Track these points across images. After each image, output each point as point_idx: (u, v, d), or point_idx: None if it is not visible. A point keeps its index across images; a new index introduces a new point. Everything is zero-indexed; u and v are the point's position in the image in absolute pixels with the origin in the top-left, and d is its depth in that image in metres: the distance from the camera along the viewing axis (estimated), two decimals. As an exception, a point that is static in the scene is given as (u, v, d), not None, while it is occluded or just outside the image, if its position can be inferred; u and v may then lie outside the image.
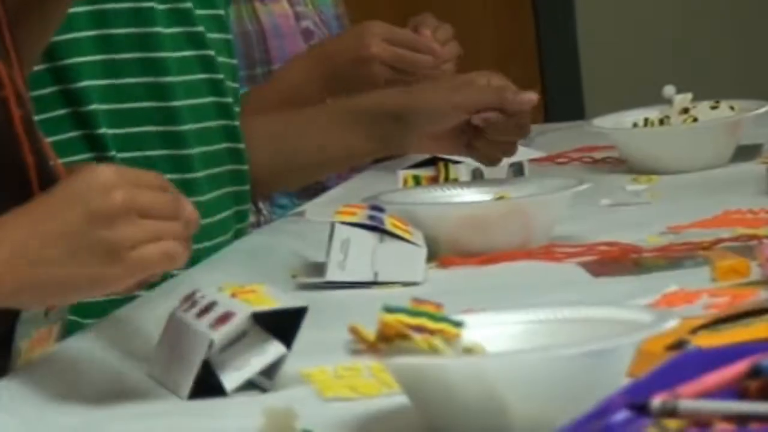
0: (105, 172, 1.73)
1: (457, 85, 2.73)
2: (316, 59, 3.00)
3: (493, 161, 2.66)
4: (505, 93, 2.64)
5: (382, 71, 2.94)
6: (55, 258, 1.71)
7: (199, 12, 2.68)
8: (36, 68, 2.46)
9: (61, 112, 2.48)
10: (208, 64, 2.66)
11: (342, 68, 2.98)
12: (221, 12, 2.74)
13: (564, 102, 4.25)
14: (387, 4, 3.69)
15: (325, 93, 2.95)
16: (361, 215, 2.11)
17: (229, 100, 2.66)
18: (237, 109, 2.73)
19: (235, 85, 2.73)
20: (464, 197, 2.34)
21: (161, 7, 2.59)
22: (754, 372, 1.31)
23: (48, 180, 1.95)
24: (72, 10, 2.43)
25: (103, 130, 2.54)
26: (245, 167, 2.69)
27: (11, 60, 2.06)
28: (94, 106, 2.53)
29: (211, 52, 2.65)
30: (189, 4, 2.66)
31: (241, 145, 2.68)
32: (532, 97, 2.66)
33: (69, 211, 1.72)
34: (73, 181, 1.74)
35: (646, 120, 2.77)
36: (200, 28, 2.63)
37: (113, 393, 1.69)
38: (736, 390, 1.30)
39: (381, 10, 3.47)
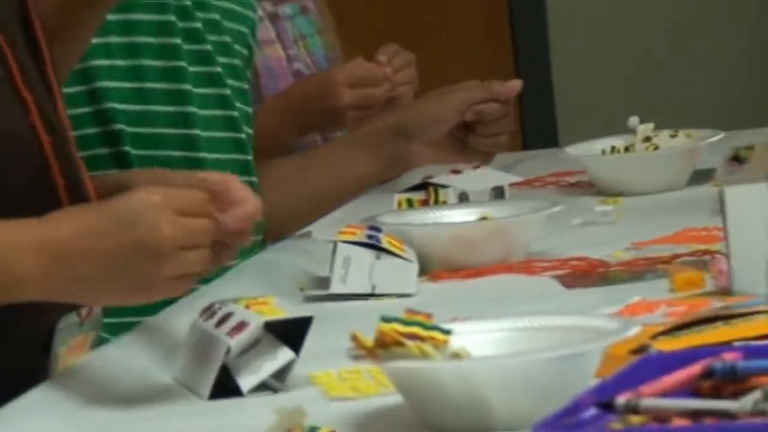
0: (155, 201, 1.77)
1: (444, 91, 2.90)
2: (289, 107, 3.08)
3: (486, 157, 2.85)
4: (492, 84, 2.87)
5: (353, 114, 3.03)
6: (94, 278, 1.75)
7: (220, 59, 2.76)
8: (71, 90, 2.52)
9: (91, 131, 2.58)
10: (225, 102, 2.75)
11: (315, 116, 3.07)
12: (238, 62, 2.80)
13: (540, 132, 4.38)
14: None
15: (299, 134, 3.11)
16: (361, 235, 2.18)
17: (244, 136, 2.75)
18: (250, 146, 2.79)
19: (249, 130, 2.81)
20: (452, 218, 2.40)
21: (186, 46, 2.70)
22: (707, 373, 1.38)
23: (79, 199, 1.99)
24: (106, 39, 2.62)
25: (127, 148, 2.65)
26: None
27: (53, 90, 2.09)
28: (120, 126, 2.63)
29: (228, 92, 2.73)
30: (209, 47, 2.76)
31: (254, 178, 2.75)
32: (516, 84, 2.91)
33: (118, 236, 1.75)
34: (125, 206, 1.75)
35: (613, 147, 2.88)
36: (218, 69, 2.73)
37: (142, 395, 1.73)
38: (691, 389, 1.36)
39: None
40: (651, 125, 2.82)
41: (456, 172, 2.64)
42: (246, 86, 2.73)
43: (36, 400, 1.75)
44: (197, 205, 1.77)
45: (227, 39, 2.77)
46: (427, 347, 1.56)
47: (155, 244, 1.70)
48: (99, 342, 1.97)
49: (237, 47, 2.74)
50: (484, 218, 2.34)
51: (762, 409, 1.27)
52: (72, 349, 1.94)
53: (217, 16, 2.72)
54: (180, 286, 1.73)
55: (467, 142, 2.80)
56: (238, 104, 2.68)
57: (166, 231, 1.71)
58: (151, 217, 1.73)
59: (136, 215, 1.74)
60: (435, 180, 2.60)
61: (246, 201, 1.92)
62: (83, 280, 1.76)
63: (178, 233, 1.72)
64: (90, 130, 2.50)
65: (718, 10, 5.35)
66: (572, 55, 5.22)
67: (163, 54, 2.64)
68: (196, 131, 2.65)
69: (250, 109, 2.73)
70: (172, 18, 2.64)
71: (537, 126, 4.37)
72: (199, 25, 2.69)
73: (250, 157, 2.71)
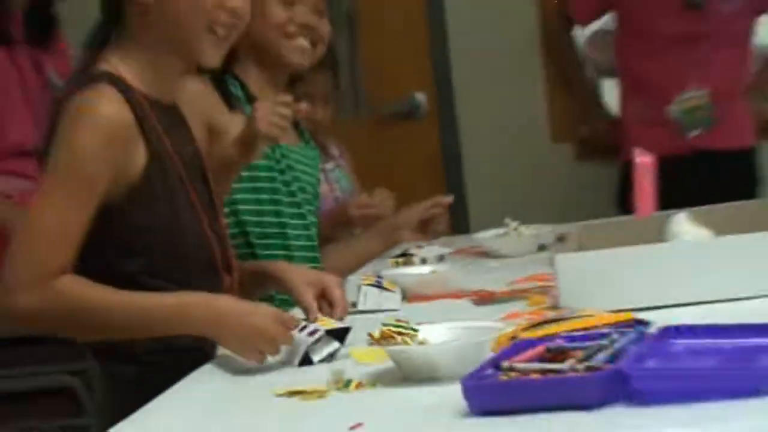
0: (270, 312, 1.82)
1: (415, 205, 2.82)
2: (332, 220, 2.91)
3: (436, 235, 2.85)
4: (438, 199, 2.80)
5: (359, 223, 2.95)
6: (228, 335, 1.80)
7: (306, 196, 2.70)
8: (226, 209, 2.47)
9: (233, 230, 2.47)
10: (306, 219, 2.66)
11: (343, 223, 2.93)
12: (312, 196, 2.74)
13: (460, 223, 3.95)
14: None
15: (337, 232, 2.95)
16: (372, 280, 2.24)
17: (314, 235, 2.69)
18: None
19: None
20: (417, 270, 2.40)
21: (284, 188, 2.61)
22: (547, 349, 1.44)
23: (225, 263, 2.03)
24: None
25: (253, 241, 2.57)
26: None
27: (216, 207, 2.09)
28: (250, 229, 2.56)
29: (306, 212, 2.67)
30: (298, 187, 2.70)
31: (318, 254, 2.68)
32: (450, 198, 2.84)
33: (249, 320, 1.78)
34: (258, 309, 1.82)
35: (497, 234, 2.82)
36: (301, 200, 2.66)
37: (267, 367, 1.76)
38: (540, 358, 1.42)
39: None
40: (516, 222, 2.79)
41: (419, 246, 2.67)
42: (314, 208, 2.72)
43: (209, 369, 1.84)
44: (288, 320, 1.79)
45: (312, 181, 2.73)
46: (406, 339, 1.65)
47: (270, 337, 1.76)
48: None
49: (310, 188, 2.70)
50: (433, 271, 2.38)
51: (574, 368, 1.34)
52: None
53: (302, 175, 2.69)
54: (260, 358, 1.77)
55: (425, 230, 2.82)
56: (311, 219, 2.68)
57: (271, 331, 1.76)
58: (267, 321, 1.77)
59: (262, 317, 1.78)
60: (409, 251, 2.60)
61: (340, 303, 1.99)
62: (222, 333, 1.81)
63: (273, 334, 1.75)
64: (233, 230, 2.44)
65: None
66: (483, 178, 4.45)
67: (271, 191, 2.60)
68: (291, 233, 2.61)
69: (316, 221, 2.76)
70: (275, 174, 2.58)
71: (458, 220, 3.99)
72: (295, 174, 2.65)
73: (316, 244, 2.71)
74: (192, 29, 1.93)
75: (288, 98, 2.27)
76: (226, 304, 1.86)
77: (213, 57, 1.97)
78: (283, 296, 2.22)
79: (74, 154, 1.83)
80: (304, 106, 2.41)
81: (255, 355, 1.77)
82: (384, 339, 1.66)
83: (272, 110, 2.17)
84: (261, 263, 2.27)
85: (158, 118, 1.94)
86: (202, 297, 1.88)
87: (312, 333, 1.80)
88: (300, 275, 2.06)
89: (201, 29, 1.93)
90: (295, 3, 2.57)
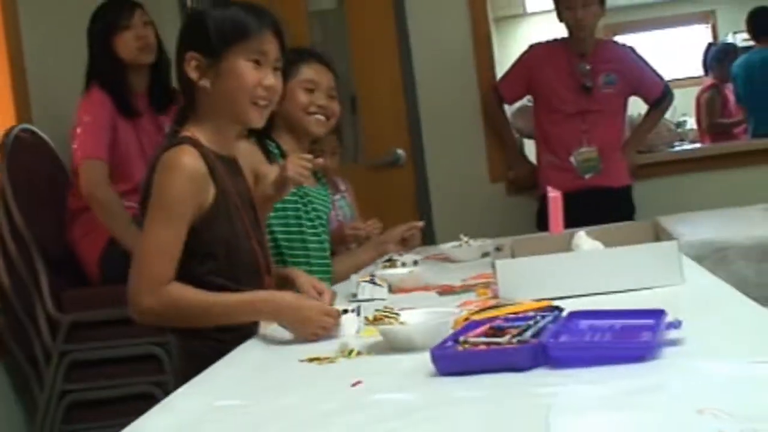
0: (313, 304, 1.80)
1: (398, 227, 2.80)
2: (335, 238, 2.78)
3: (413, 247, 2.82)
4: (414, 223, 2.79)
5: (351, 240, 2.87)
6: (291, 324, 1.75)
7: (321, 221, 2.66)
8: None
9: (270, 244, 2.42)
10: (322, 235, 2.63)
11: (342, 240, 2.84)
12: (324, 221, 2.69)
13: (428, 237, 3.79)
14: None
15: (338, 246, 2.86)
16: (367, 278, 2.18)
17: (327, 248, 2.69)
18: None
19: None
20: (400, 271, 2.34)
21: (305, 215, 2.58)
22: (491, 328, 1.43)
23: (266, 267, 2.00)
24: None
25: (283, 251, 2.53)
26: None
27: (261, 229, 2.06)
28: (279, 242, 2.52)
29: (322, 231, 2.64)
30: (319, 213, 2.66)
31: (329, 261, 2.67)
32: (422, 223, 2.83)
33: (300, 310, 1.75)
34: (312, 308, 1.75)
35: (453, 246, 2.74)
36: (316, 223, 2.63)
37: (289, 343, 1.74)
38: (486, 334, 1.40)
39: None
40: (467, 237, 2.73)
41: (400, 255, 2.62)
42: (326, 230, 2.66)
43: (251, 344, 1.78)
44: (331, 312, 1.74)
45: (325, 211, 2.68)
46: (392, 320, 1.61)
47: (313, 322, 1.71)
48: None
49: (324, 216, 2.65)
50: (411, 272, 2.33)
51: (510, 341, 1.33)
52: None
53: (319, 206, 2.64)
54: (313, 339, 1.71)
55: (405, 244, 2.78)
56: (325, 237, 2.64)
57: (319, 320, 1.71)
58: (316, 313, 1.73)
59: (312, 309, 1.74)
60: (393, 258, 2.54)
61: (326, 296, 1.99)
62: (284, 321, 1.78)
63: (321, 322, 1.71)
64: (270, 244, 2.34)
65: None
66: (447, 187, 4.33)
67: (296, 218, 2.57)
68: (310, 246, 2.57)
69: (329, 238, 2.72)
70: (300, 206, 2.56)
71: (427, 236, 3.88)
72: (314, 206, 2.62)
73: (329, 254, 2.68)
74: (240, 104, 1.90)
75: (309, 156, 2.24)
76: (287, 300, 1.81)
77: (258, 121, 1.94)
78: None
79: (169, 193, 1.81)
80: (320, 161, 2.33)
81: (309, 336, 1.72)
82: (376, 320, 1.62)
83: (298, 162, 2.15)
84: (285, 270, 2.22)
85: (222, 167, 1.91)
86: (270, 295, 1.86)
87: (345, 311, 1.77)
88: (308, 281, 2.05)
89: (246, 103, 1.90)
90: (315, 90, 2.58)
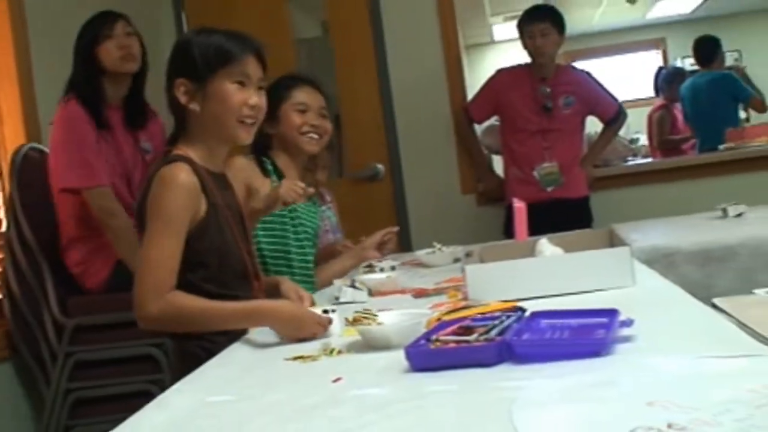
0: (304, 309, 1.78)
1: (375, 234, 2.76)
2: (321, 252, 2.80)
3: (390, 253, 2.79)
4: (391, 228, 2.75)
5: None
6: (286, 330, 1.69)
7: (308, 235, 2.66)
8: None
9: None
10: (307, 248, 2.62)
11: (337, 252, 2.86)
12: (312, 234, 2.71)
13: (403, 243, 3.88)
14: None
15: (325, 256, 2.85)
16: (348, 282, 2.17)
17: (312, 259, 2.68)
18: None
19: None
20: (378, 276, 2.31)
21: (292, 228, 2.58)
22: (461, 327, 1.42)
23: (255, 274, 1.98)
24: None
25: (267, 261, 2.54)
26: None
27: (249, 238, 2.05)
28: (263, 251, 2.52)
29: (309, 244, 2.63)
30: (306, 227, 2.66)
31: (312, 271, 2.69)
32: (397, 228, 2.78)
33: (293, 314, 1.72)
34: (304, 316, 1.70)
35: (427, 252, 2.72)
36: (304, 237, 2.64)
37: (274, 344, 1.70)
38: (456, 333, 1.39)
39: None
40: (440, 244, 2.71)
41: (379, 261, 2.61)
42: (312, 243, 2.66)
43: (239, 345, 1.75)
44: (322, 320, 1.69)
45: (312, 226, 2.69)
46: (370, 321, 1.59)
47: (306, 329, 1.67)
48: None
49: (311, 231, 2.65)
50: (388, 276, 2.30)
51: (478, 339, 1.33)
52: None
53: (306, 221, 2.64)
54: (307, 336, 1.67)
55: (382, 248, 2.74)
56: (309, 249, 2.61)
57: (311, 327, 1.67)
58: (309, 321, 1.68)
59: (305, 318, 1.69)
60: (372, 264, 2.55)
61: (306, 301, 1.96)
62: (280, 328, 1.71)
63: (313, 329, 1.67)
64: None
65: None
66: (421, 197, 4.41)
67: (282, 230, 2.56)
68: (293, 257, 2.56)
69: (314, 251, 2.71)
70: (286, 220, 2.55)
71: (404, 243, 3.90)
72: (301, 221, 2.60)
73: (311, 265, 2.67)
74: (228, 123, 1.89)
75: (303, 185, 2.25)
76: (285, 310, 1.75)
77: (246, 138, 1.93)
78: None
79: (168, 206, 1.79)
80: (311, 190, 2.34)
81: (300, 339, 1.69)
82: (356, 321, 1.59)
83: (292, 186, 2.17)
84: (271, 278, 2.19)
85: (213, 182, 1.90)
86: (268, 304, 1.80)
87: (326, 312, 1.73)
88: (290, 288, 2.03)
89: (234, 122, 1.89)
90: (307, 111, 2.57)
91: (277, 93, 2.46)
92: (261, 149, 2.44)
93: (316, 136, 2.59)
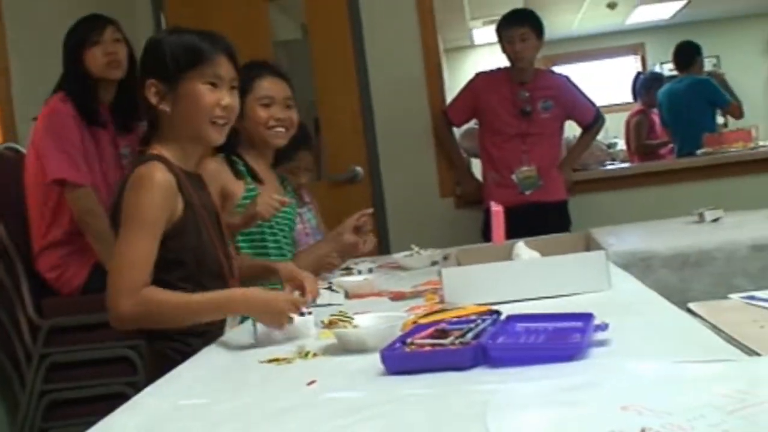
0: (284, 295, 1.78)
1: (353, 219, 2.63)
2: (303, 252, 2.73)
3: (367, 252, 2.69)
4: (365, 212, 2.62)
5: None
6: (262, 316, 1.70)
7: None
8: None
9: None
10: (286, 242, 2.59)
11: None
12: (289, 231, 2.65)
13: (381, 246, 3.82)
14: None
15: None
16: (325, 284, 2.17)
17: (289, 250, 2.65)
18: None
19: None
20: (356, 278, 2.32)
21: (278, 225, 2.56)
22: (436, 330, 1.42)
23: (230, 272, 1.97)
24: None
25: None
26: None
27: (224, 239, 2.03)
28: (243, 251, 2.48)
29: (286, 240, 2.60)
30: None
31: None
32: (371, 210, 2.65)
33: (267, 300, 1.72)
34: (280, 299, 1.72)
35: (406, 255, 2.72)
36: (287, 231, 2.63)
37: (253, 346, 1.69)
38: (432, 336, 1.39)
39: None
40: (418, 247, 2.71)
41: (356, 263, 2.62)
42: (289, 239, 2.62)
43: (214, 347, 1.74)
44: (297, 302, 1.73)
45: (289, 224, 2.63)
46: (346, 324, 1.60)
47: (281, 312, 1.68)
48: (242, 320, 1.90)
49: (287, 228, 2.60)
50: (366, 279, 2.30)
51: (453, 342, 1.33)
52: (232, 323, 1.90)
53: (281, 221, 2.57)
54: (281, 326, 1.68)
55: (358, 232, 2.58)
56: (286, 246, 2.57)
57: (286, 309, 1.68)
58: (284, 304, 1.69)
59: (281, 301, 1.71)
60: (350, 266, 2.56)
61: (311, 291, 1.94)
62: (255, 314, 1.71)
63: (285, 306, 1.68)
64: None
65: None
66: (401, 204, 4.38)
67: (260, 233, 2.53)
68: (270, 252, 2.52)
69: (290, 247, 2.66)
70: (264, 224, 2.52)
71: (382, 246, 3.83)
72: (277, 220, 2.52)
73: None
74: (200, 124, 1.88)
75: (279, 198, 2.26)
76: (254, 295, 1.75)
77: (218, 139, 1.91)
78: (274, 285, 2.12)
79: (143, 205, 1.76)
80: (287, 200, 2.33)
81: (277, 325, 1.67)
82: (331, 324, 1.60)
83: (269, 202, 2.17)
84: (263, 262, 2.20)
85: (188, 182, 1.89)
86: (239, 292, 1.80)
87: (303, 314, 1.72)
88: (286, 269, 2.02)
89: (206, 123, 1.88)
90: (271, 105, 2.51)
91: (240, 85, 2.46)
92: (229, 149, 2.39)
93: (282, 129, 2.52)
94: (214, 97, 1.86)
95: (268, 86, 2.51)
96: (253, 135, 2.52)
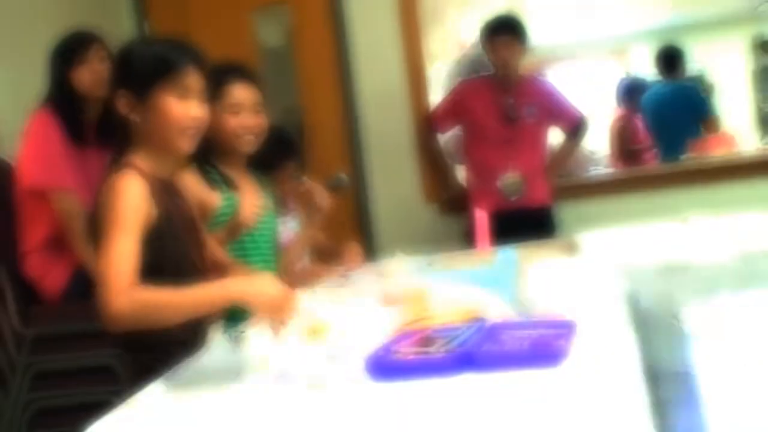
0: (275, 283, 1.71)
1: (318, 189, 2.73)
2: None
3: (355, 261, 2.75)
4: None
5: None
6: (251, 299, 1.65)
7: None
8: None
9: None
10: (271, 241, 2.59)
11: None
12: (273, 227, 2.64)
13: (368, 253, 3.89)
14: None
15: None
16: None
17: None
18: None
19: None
20: (339, 283, 2.35)
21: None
22: (422, 337, 1.42)
23: (210, 268, 1.99)
24: None
25: None
26: None
27: (203, 239, 2.06)
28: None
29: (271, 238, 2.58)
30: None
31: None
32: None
33: (262, 288, 1.67)
34: (263, 281, 1.70)
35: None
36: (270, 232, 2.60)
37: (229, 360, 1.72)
38: (417, 343, 1.40)
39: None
40: (403, 253, 2.56)
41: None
42: (271, 243, 2.58)
43: (195, 358, 1.76)
44: (286, 291, 1.66)
45: (271, 228, 2.59)
46: (330, 330, 1.59)
47: (273, 296, 1.64)
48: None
49: (267, 233, 2.56)
50: (349, 284, 2.36)
51: (438, 350, 1.34)
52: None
53: (262, 226, 2.53)
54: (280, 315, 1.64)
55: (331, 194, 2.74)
56: (267, 251, 2.53)
57: (276, 292, 1.64)
58: (273, 288, 1.65)
59: (267, 285, 1.66)
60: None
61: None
62: (245, 297, 1.65)
63: (281, 295, 1.64)
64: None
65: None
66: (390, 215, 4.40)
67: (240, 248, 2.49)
68: (251, 258, 2.50)
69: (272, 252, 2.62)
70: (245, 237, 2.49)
71: (369, 253, 3.89)
72: (258, 226, 2.50)
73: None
74: (170, 136, 1.88)
75: (258, 203, 2.28)
76: (248, 281, 1.75)
77: (188, 149, 1.91)
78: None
79: (122, 208, 1.76)
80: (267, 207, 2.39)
81: (273, 315, 1.63)
82: (314, 331, 1.56)
83: (252, 210, 2.19)
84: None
85: (162, 189, 1.89)
86: (231, 280, 1.81)
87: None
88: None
89: (175, 135, 1.88)
90: (240, 113, 2.46)
91: (208, 92, 2.38)
92: (202, 159, 2.34)
93: (251, 137, 2.48)
94: (182, 108, 1.87)
95: (236, 93, 2.47)
96: (223, 144, 2.48)
